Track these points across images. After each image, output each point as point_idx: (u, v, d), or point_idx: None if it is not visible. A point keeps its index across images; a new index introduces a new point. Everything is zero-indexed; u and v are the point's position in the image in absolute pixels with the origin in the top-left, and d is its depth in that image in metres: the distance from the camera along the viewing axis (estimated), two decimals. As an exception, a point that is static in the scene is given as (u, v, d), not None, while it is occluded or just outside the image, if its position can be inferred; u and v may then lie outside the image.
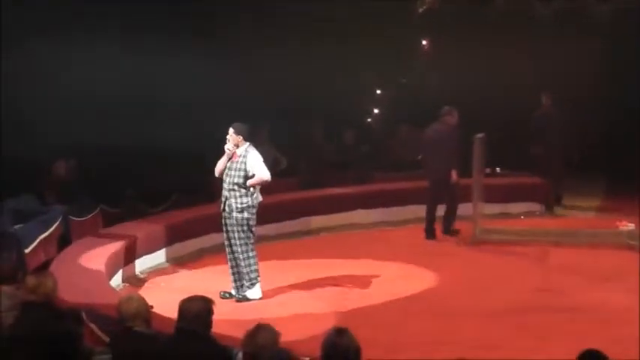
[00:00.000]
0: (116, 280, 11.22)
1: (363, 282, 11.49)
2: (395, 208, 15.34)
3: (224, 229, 10.84)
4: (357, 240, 14.11)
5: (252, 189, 10.69)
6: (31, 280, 7.02)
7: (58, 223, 11.96)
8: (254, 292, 10.73)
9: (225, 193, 10.75)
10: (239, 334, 5.74)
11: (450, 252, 13.03)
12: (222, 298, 10.61)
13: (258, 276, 10.78)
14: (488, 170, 14.92)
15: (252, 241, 10.79)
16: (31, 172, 13.36)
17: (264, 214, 13.98)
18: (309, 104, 17.06)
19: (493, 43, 17.18)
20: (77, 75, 14.41)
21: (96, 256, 10.98)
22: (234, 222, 10.67)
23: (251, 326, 5.60)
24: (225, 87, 15.66)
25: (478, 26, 17.30)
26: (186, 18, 15.75)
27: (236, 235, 10.69)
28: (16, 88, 13.80)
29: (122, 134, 14.16)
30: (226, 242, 10.85)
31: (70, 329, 5.66)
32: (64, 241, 11.99)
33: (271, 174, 15.72)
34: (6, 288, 7.35)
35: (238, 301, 10.69)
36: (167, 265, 12.60)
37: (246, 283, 10.74)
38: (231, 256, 10.81)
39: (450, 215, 14.09)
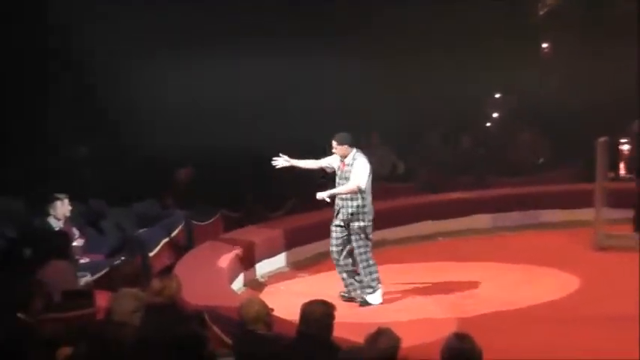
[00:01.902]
0: (237, 284, 11.38)
1: (482, 287, 11.39)
2: (514, 213, 15.14)
3: (334, 235, 10.80)
4: (475, 245, 13.97)
5: (364, 195, 10.59)
6: (156, 283, 7.18)
7: (180, 227, 12.21)
8: (375, 298, 10.71)
9: (338, 202, 10.69)
10: (357, 337, 5.76)
11: (572, 258, 12.77)
12: (344, 299, 10.63)
13: (380, 282, 10.76)
14: (611, 175, 14.57)
15: (369, 248, 10.75)
16: (153, 176, 13.69)
17: (382, 218, 14.03)
18: (426, 108, 17.00)
19: (618, 45, 16.77)
20: (199, 81, 14.69)
21: (217, 260, 11.16)
22: (352, 231, 10.63)
23: (371, 330, 5.62)
24: (339, 91, 15.73)
25: (601, 28, 16.94)
26: (310, 21, 15.87)
27: (354, 243, 10.67)
28: (144, 94, 14.16)
29: (241, 139, 14.35)
30: (335, 249, 10.80)
31: (196, 331, 5.77)
32: (186, 245, 12.24)
33: (388, 178, 15.88)
34: (131, 290, 7.54)
35: (361, 305, 10.66)
36: (287, 269, 12.72)
37: (368, 290, 10.72)
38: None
39: None
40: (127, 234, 11.53)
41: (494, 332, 9.27)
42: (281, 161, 10.96)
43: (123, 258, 10.46)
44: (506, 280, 11.72)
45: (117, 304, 6.68)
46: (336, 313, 6.20)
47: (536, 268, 12.19)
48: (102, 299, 8.18)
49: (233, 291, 10.50)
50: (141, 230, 11.75)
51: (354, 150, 10.69)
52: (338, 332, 6.29)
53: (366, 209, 10.62)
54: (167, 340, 5.60)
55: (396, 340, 5.57)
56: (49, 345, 6.06)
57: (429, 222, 14.71)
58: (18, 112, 13.23)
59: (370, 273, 10.67)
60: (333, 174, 10.87)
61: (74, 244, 10.55)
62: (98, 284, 9.62)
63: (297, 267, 12.78)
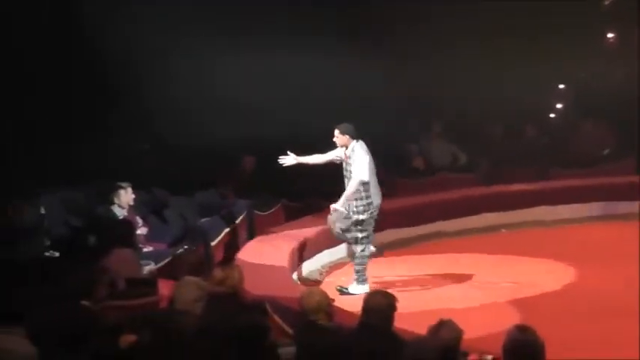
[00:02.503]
0: (298, 274, 11.39)
1: (543, 279, 11.29)
2: (578, 205, 14.97)
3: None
4: (538, 237, 13.86)
5: (367, 187, 10.62)
6: (218, 273, 7.23)
7: (242, 217, 12.26)
8: (359, 288, 10.71)
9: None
10: (416, 328, 5.74)
11: (637, 252, 12.56)
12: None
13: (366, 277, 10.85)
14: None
15: (369, 239, 10.80)
16: (214, 166, 13.76)
17: (443, 210, 14.00)
18: (487, 99, 16.88)
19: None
20: (261, 72, 14.75)
21: (278, 250, 11.21)
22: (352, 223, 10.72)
23: (430, 322, 5.61)
24: (403, 83, 15.69)
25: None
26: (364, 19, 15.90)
27: (354, 234, 10.75)
28: (206, 85, 14.26)
29: (302, 129, 14.37)
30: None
31: (258, 321, 5.79)
32: (248, 234, 12.29)
33: (449, 169, 15.81)
34: (194, 279, 7.59)
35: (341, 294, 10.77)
36: (348, 259, 12.69)
37: (356, 277, 10.83)
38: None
39: None
40: (190, 223, 11.61)
41: (555, 325, 9.16)
42: (288, 159, 11.05)
43: (185, 247, 10.55)
44: (569, 272, 11.60)
45: (179, 292, 6.73)
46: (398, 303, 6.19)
47: (600, 262, 12.02)
48: (165, 288, 8.27)
49: (294, 281, 10.54)
50: (203, 219, 11.83)
51: (354, 142, 10.71)
52: (398, 323, 6.29)
53: (370, 200, 10.65)
54: (229, 330, 5.64)
55: (458, 332, 5.54)
56: (112, 332, 6.13)
57: (492, 214, 14.61)
58: (82, 102, 13.38)
59: (364, 267, 10.82)
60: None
61: (138, 232, 10.67)
62: (161, 273, 9.71)
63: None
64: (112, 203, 10.73)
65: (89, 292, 6.86)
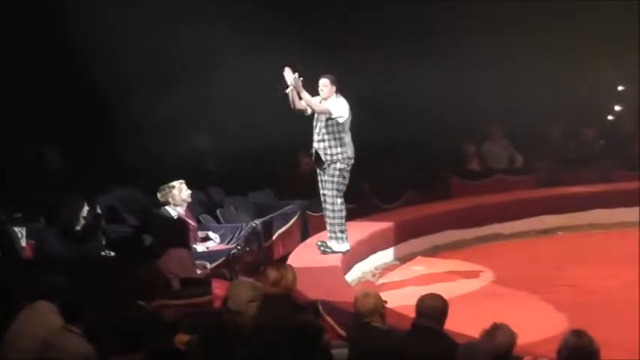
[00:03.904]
0: (351, 275, 11.38)
1: (599, 283, 11.13)
2: (636, 208, 14.73)
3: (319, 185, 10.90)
4: (595, 240, 13.68)
5: (342, 135, 10.57)
6: (272, 274, 7.26)
7: (296, 218, 12.28)
8: (340, 246, 10.85)
9: (315, 145, 10.70)
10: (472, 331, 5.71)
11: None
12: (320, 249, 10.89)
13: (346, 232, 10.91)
14: None
15: (340, 192, 10.79)
16: (269, 166, 13.80)
17: (500, 212, 13.89)
18: (546, 101, 16.74)
19: None
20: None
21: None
22: (327, 174, 10.70)
23: (488, 325, 5.58)
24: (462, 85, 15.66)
25: None
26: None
27: (328, 185, 10.73)
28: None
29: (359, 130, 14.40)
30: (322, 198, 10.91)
31: (311, 322, 5.81)
32: (301, 235, 12.30)
33: (506, 171, 15.70)
34: (248, 280, 7.64)
35: (323, 252, 10.82)
36: (400, 261, 12.67)
37: (331, 235, 10.88)
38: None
39: None
40: (244, 223, 11.66)
41: (612, 328, 9.04)
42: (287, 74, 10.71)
43: (239, 247, 10.59)
44: (626, 276, 11.41)
45: (233, 293, 6.78)
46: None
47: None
48: (218, 288, 8.32)
49: (346, 282, 10.52)
50: (257, 220, 11.87)
51: (335, 94, 10.63)
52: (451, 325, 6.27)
53: (344, 148, 10.60)
54: (283, 331, 5.66)
55: (511, 336, 5.51)
56: (167, 331, 6.19)
57: (549, 216, 14.47)
58: (140, 103, 13.52)
59: (341, 221, 10.84)
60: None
61: (198, 233, 10.78)
62: (215, 273, 9.76)
63: (412, 259, 12.70)
64: (167, 203, 10.77)
65: (145, 292, 6.92)
